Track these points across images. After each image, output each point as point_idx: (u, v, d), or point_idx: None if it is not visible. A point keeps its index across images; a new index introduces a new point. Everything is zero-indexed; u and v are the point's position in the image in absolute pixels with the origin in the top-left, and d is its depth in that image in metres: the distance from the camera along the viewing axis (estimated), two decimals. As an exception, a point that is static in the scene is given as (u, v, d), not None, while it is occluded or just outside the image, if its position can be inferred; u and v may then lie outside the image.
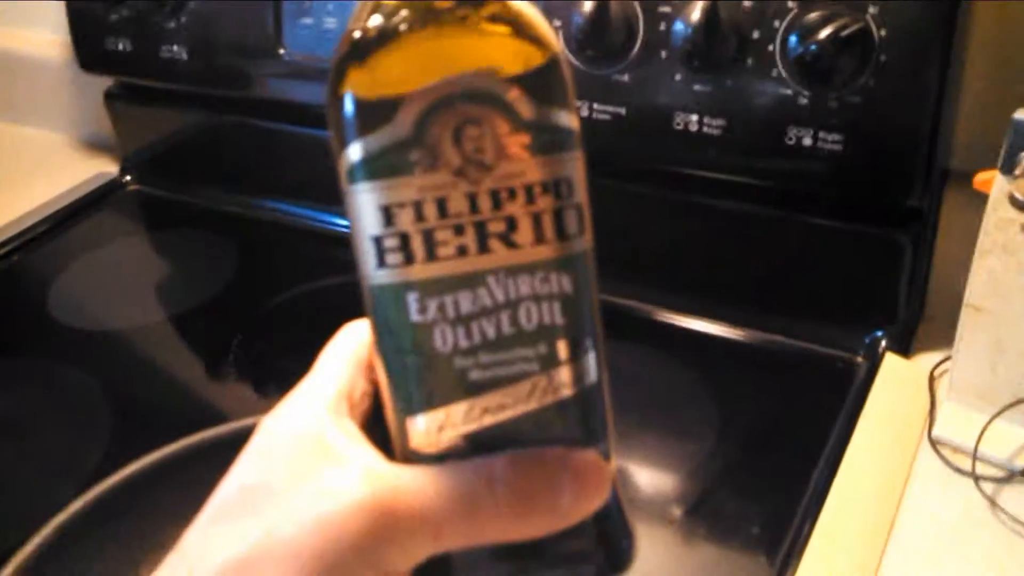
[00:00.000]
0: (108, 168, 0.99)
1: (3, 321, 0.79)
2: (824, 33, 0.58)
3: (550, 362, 0.28)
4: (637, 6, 0.64)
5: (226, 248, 0.86)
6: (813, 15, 0.59)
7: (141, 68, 0.88)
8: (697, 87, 0.64)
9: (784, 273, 0.69)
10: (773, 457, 0.60)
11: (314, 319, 0.75)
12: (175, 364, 0.73)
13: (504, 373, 0.28)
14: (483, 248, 0.27)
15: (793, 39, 0.60)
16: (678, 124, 0.65)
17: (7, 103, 1.09)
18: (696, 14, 0.61)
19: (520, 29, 0.27)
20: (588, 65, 0.67)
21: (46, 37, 1.02)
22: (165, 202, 0.95)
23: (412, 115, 0.26)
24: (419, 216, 0.27)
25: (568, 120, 0.27)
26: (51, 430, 0.66)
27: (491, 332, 0.28)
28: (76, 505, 0.52)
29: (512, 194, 0.27)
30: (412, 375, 0.28)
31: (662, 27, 0.64)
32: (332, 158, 0.28)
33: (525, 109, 0.27)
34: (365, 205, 0.27)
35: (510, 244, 0.27)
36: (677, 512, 0.56)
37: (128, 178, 0.97)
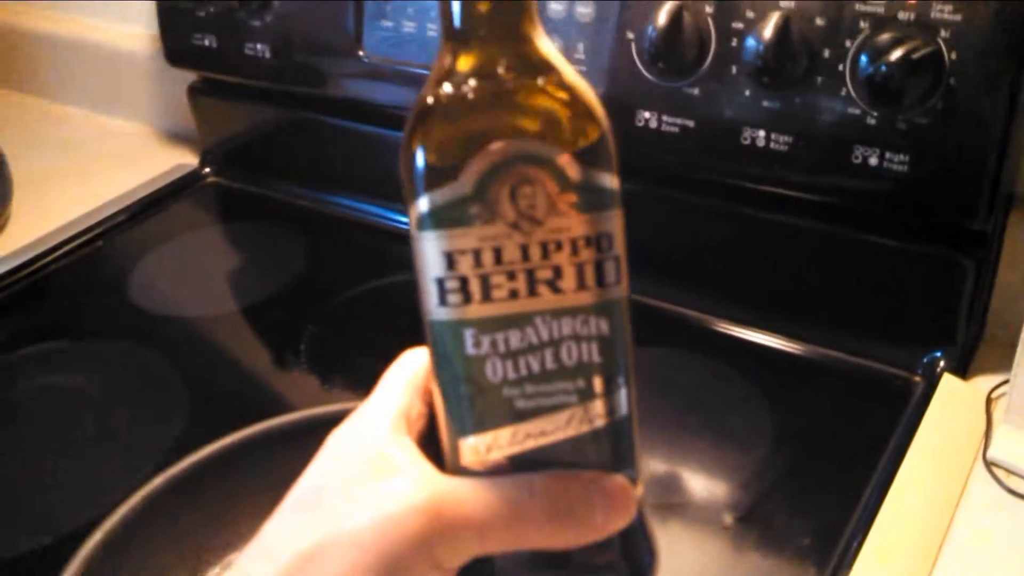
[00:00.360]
0: (188, 159, 1.02)
1: (87, 304, 0.83)
2: (895, 55, 0.58)
3: (587, 395, 0.31)
4: (710, 21, 0.65)
5: (299, 242, 0.89)
6: (885, 36, 0.59)
7: (225, 64, 0.91)
8: (766, 103, 0.65)
9: (845, 289, 0.70)
10: (826, 471, 0.60)
11: (382, 315, 0.77)
12: (247, 352, 0.76)
13: (546, 403, 0.31)
14: (532, 292, 0.30)
15: (864, 59, 0.60)
16: (745, 139, 0.66)
17: (96, 94, 1.13)
18: (768, 31, 0.61)
19: (572, 101, 0.30)
20: (659, 77, 0.68)
21: (135, 31, 1.06)
22: (242, 194, 0.98)
23: (474, 174, 0.29)
24: (477, 262, 0.30)
25: (611, 182, 0.31)
26: (130, 410, 0.69)
27: (536, 366, 0.31)
28: (152, 485, 0.55)
29: (559, 246, 0.30)
30: (465, 401, 0.31)
31: (734, 43, 0.65)
32: (404, 204, 0.31)
33: (573, 172, 0.30)
34: (430, 250, 0.30)
35: (556, 290, 0.30)
36: (729, 519, 0.57)
37: (207, 170, 1.00)
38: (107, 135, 1.10)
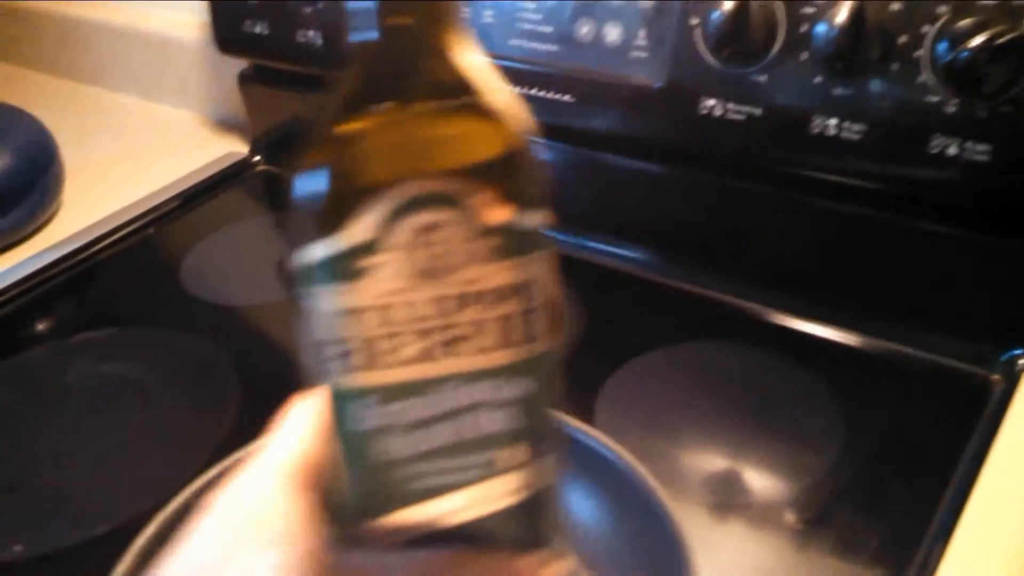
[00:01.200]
0: (238, 147, 1.02)
1: (138, 292, 0.82)
2: (977, 40, 0.56)
3: (502, 468, 0.27)
4: (779, 6, 0.63)
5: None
6: (965, 21, 0.57)
7: (277, 51, 0.90)
8: (838, 91, 0.63)
9: (920, 283, 0.67)
10: (900, 474, 0.58)
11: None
12: (299, 341, 0.75)
13: (455, 479, 0.27)
14: (440, 354, 0.26)
15: (943, 45, 0.58)
16: (815, 128, 0.64)
17: (147, 82, 1.13)
18: (841, 16, 0.59)
19: (489, 130, 0.26)
20: (725, 64, 0.66)
21: (187, 18, 1.05)
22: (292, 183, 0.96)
23: (373, 220, 0.25)
24: (376, 321, 0.26)
25: (535, 221, 0.26)
26: (181, 398, 0.68)
27: (445, 438, 0.27)
28: (206, 477, 0.54)
29: (472, 299, 0.26)
30: (363, 477, 0.28)
31: (804, 28, 0.62)
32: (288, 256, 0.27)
33: (489, 213, 0.26)
34: (321, 309, 0.26)
35: (469, 350, 0.26)
36: (797, 522, 0.55)
37: (257, 158, 1.00)
38: (157, 123, 1.09)
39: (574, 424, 0.54)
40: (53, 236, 0.87)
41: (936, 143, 0.60)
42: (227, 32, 0.93)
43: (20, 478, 0.62)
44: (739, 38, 0.64)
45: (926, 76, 0.59)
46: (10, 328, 0.77)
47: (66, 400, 0.69)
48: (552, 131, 0.78)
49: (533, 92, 0.76)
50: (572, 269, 0.78)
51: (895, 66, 0.60)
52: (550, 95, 0.75)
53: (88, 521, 0.58)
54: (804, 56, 0.63)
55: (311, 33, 0.87)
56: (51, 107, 1.02)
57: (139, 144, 1.04)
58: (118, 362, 0.72)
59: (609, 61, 0.71)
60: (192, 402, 0.68)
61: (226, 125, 1.07)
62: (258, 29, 0.90)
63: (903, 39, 0.60)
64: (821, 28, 0.61)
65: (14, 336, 0.76)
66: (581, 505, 0.53)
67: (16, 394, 0.70)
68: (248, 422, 0.63)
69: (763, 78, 0.65)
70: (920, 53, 0.59)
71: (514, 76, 0.76)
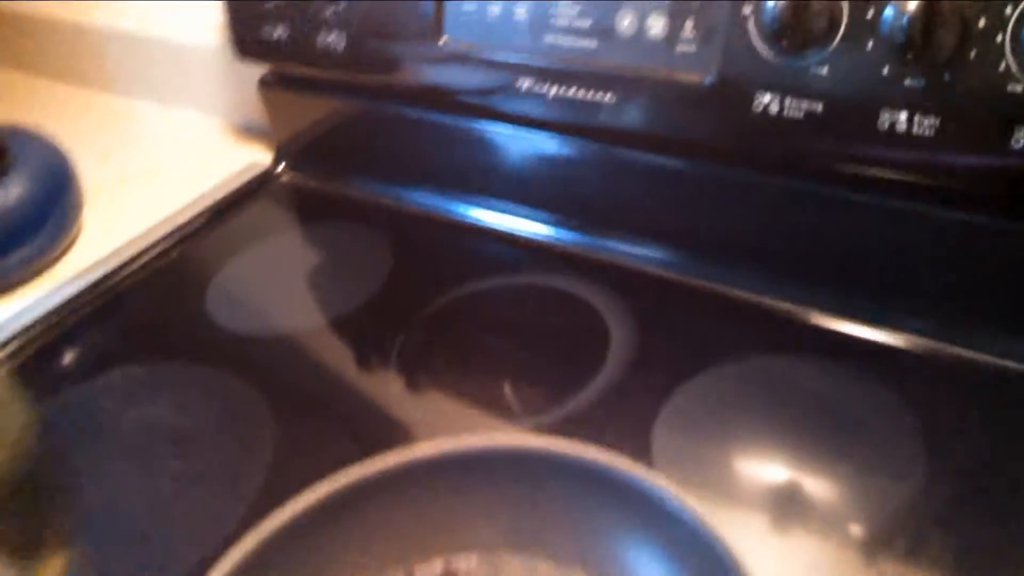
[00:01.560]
0: (261, 156, 0.98)
1: (164, 324, 0.78)
2: (1067, 23, 0.51)
3: None
4: (841, -10, 0.58)
5: (381, 244, 0.83)
6: (1053, 1, 0.52)
7: (297, 55, 0.86)
8: (908, 82, 0.57)
9: (1006, 290, 0.62)
10: (992, 497, 0.54)
11: (480, 323, 0.72)
12: (336, 372, 0.71)
13: None
14: None
15: (1027, 29, 0.53)
16: (883, 123, 0.59)
17: (163, 87, 1.09)
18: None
19: None
20: (781, 56, 0.61)
21: (204, 22, 1.01)
22: (318, 194, 0.93)
23: None
24: None
25: None
26: (214, 443, 0.64)
27: None
28: (243, 545, 0.50)
29: None
30: None
31: (870, 13, 0.57)
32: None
33: None
34: None
35: None
36: (881, 562, 0.51)
37: (281, 167, 0.95)
38: (176, 132, 1.06)
39: (628, 467, 0.49)
40: (75, 263, 0.84)
41: (1020, 136, 0.55)
42: (245, 37, 0.89)
43: (50, 533, 0.59)
44: (797, 27, 0.59)
45: (1009, 63, 0.54)
46: (31, 371, 0.74)
47: (93, 447, 0.65)
48: (592, 133, 0.74)
49: (570, 93, 0.71)
50: (617, 279, 0.74)
51: (973, 53, 0.55)
52: (589, 95, 0.70)
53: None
54: (870, 45, 0.58)
55: (333, 36, 0.82)
56: (66, 118, 0.99)
57: (159, 156, 1.01)
58: (144, 405, 0.68)
59: (653, 56, 0.66)
60: (224, 445, 0.64)
61: (249, 131, 1.03)
62: (277, 33, 0.86)
63: (982, 23, 0.54)
64: (889, 13, 0.56)
65: (38, 379, 0.73)
66: (643, 569, 0.48)
67: (42, 444, 0.67)
68: (288, 465, 0.60)
69: (824, 70, 0.60)
70: (1002, 38, 0.54)
71: (550, 76, 0.71)
